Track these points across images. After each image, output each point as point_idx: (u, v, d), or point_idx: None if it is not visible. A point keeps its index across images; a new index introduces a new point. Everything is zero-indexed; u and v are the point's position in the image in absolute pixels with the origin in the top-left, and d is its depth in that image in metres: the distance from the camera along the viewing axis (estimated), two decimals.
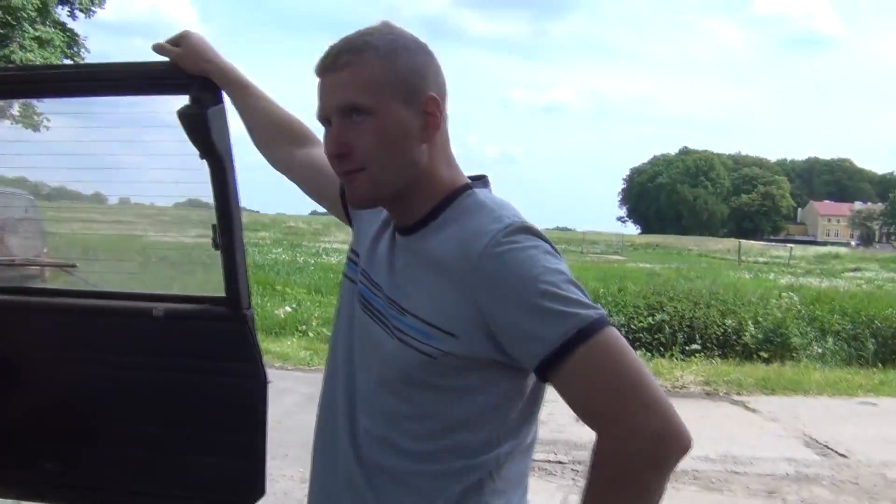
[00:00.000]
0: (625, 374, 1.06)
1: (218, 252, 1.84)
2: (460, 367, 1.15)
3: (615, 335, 1.08)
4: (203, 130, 1.61)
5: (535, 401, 1.24)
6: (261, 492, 2.00)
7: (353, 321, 1.30)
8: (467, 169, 1.29)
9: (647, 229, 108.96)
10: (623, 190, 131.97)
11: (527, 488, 1.28)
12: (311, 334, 10.05)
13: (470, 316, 1.12)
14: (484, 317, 1.11)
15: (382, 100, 1.17)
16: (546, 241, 1.14)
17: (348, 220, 1.49)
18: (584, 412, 1.09)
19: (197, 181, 1.84)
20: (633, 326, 9.74)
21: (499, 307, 1.10)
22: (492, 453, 1.20)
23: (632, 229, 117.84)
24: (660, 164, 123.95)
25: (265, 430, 1.94)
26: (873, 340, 10.21)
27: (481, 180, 1.29)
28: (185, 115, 1.61)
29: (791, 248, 46.10)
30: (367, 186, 1.21)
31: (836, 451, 5.99)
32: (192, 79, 1.61)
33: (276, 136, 1.64)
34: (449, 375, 1.16)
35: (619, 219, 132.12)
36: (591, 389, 1.07)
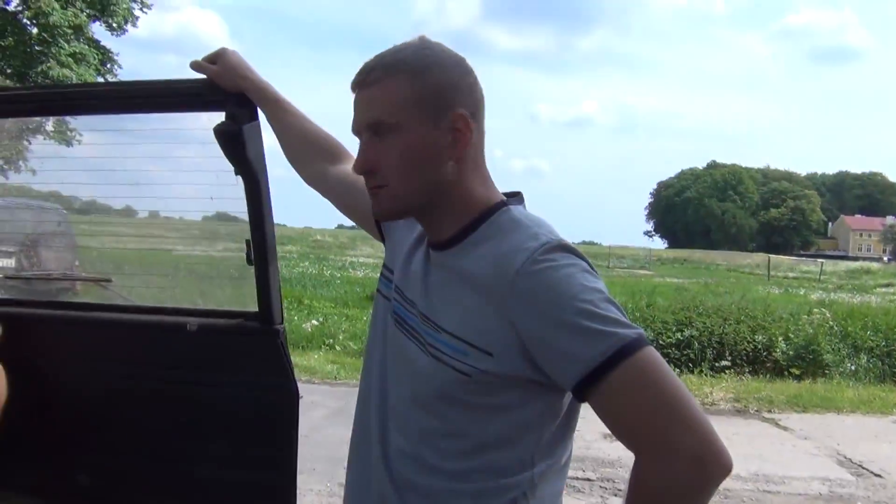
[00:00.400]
0: (664, 394, 1.04)
1: (248, 266, 1.84)
2: (496, 385, 1.14)
3: (654, 355, 1.06)
4: (239, 147, 1.62)
5: (570, 420, 1.22)
6: None
7: (387, 338, 1.30)
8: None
9: (674, 244, 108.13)
10: (650, 204, 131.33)
11: None
12: (337, 348, 10.07)
13: (506, 334, 1.11)
14: (520, 335, 1.10)
15: (408, 117, 1.17)
16: (584, 259, 1.13)
17: (381, 237, 1.49)
18: (623, 433, 1.08)
19: (226, 196, 1.85)
20: (661, 342, 9.63)
21: (536, 326, 1.09)
22: (526, 473, 1.18)
23: (659, 244, 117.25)
24: (687, 178, 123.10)
25: (296, 444, 1.94)
26: None
27: (516, 197, 1.29)
28: (221, 132, 1.61)
29: (822, 263, 45.59)
30: (389, 201, 1.22)
31: (871, 471, 5.86)
32: (228, 96, 1.62)
33: (310, 152, 1.65)
34: (484, 393, 1.15)
35: (646, 233, 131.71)
36: (630, 410, 1.06)
